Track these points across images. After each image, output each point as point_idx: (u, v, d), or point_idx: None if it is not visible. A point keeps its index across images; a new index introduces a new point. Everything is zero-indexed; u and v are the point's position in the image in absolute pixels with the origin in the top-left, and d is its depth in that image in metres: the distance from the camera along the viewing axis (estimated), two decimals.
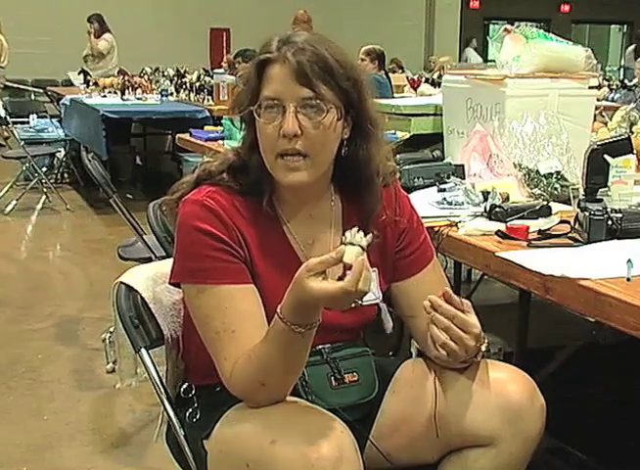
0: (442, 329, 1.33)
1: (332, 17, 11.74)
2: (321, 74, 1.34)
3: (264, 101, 1.35)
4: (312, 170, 1.37)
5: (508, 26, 2.49)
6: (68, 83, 9.30)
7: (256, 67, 1.37)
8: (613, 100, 7.08)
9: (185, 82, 6.91)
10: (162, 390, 1.53)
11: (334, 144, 1.39)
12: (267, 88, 1.35)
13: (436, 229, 1.85)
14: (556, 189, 2.05)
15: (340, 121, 1.38)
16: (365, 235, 1.20)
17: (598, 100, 3.25)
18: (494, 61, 2.43)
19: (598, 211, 1.69)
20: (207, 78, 6.60)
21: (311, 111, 1.34)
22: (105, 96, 7.14)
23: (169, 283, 1.44)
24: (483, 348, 1.41)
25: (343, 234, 1.21)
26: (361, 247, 1.18)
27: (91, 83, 7.75)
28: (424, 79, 9.47)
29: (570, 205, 1.94)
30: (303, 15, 7.10)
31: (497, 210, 1.86)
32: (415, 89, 8.65)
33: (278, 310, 1.24)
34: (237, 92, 1.45)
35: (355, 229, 1.21)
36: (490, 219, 1.86)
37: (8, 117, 6.49)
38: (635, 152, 2.02)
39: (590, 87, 2.42)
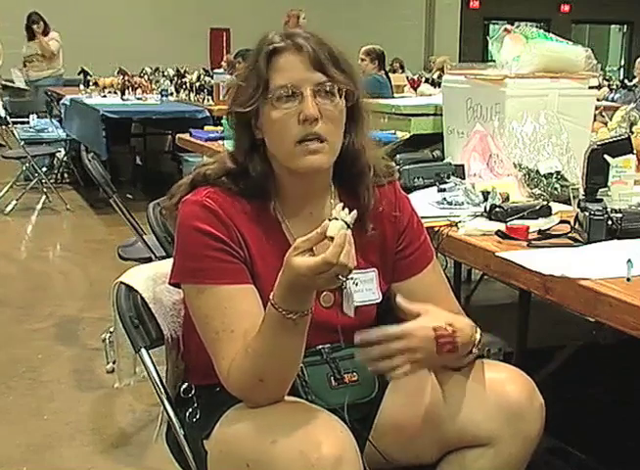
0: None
1: (331, 17, 11.75)
2: (332, 60, 1.36)
3: (278, 90, 1.35)
4: (329, 155, 1.38)
5: (508, 26, 2.49)
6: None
7: (265, 57, 1.37)
8: (613, 100, 7.09)
9: (185, 82, 6.92)
10: (162, 390, 1.53)
11: (343, 129, 1.40)
12: (279, 77, 1.35)
13: (436, 229, 1.85)
14: (556, 189, 2.05)
15: (345, 108, 1.39)
16: (350, 212, 1.21)
17: (598, 100, 3.25)
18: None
19: (598, 211, 1.69)
20: (207, 78, 6.61)
21: (326, 95, 1.35)
22: (105, 96, 7.15)
23: (169, 283, 1.44)
24: (477, 336, 1.41)
25: (330, 213, 1.23)
26: (345, 222, 1.19)
27: (91, 83, 7.75)
28: (424, 79, 9.48)
29: (570, 205, 1.94)
30: (293, 11, 7.13)
31: (497, 210, 1.86)
32: (415, 89, 8.67)
33: (270, 297, 1.25)
34: (232, 92, 1.44)
35: (340, 205, 1.22)
36: (490, 219, 1.86)
37: (8, 117, 6.49)
38: (635, 152, 2.02)
39: (590, 87, 2.42)
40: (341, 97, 1.36)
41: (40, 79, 9.06)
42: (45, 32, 9.07)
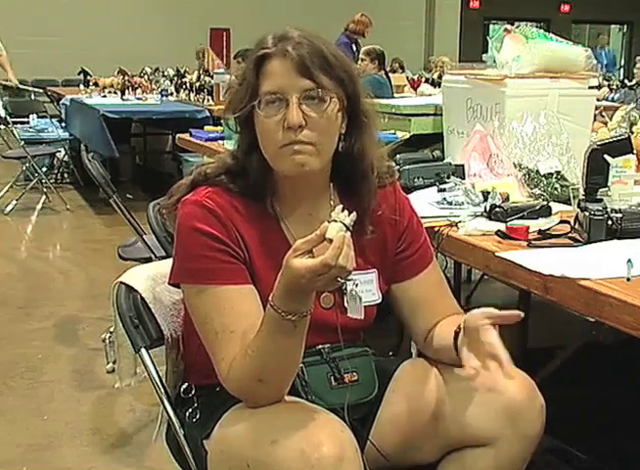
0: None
1: (331, 17, 11.73)
2: (321, 65, 1.35)
3: (265, 96, 1.35)
4: (317, 157, 1.37)
5: (508, 26, 2.49)
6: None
7: (255, 63, 1.37)
8: (613, 100, 7.09)
9: (185, 82, 6.92)
10: (162, 390, 1.53)
11: (336, 134, 1.40)
12: (267, 83, 1.35)
13: (436, 229, 1.85)
14: (556, 189, 2.05)
15: (340, 112, 1.38)
16: (349, 214, 1.21)
17: (598, 100, 3.25)
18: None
19: (598, 211, 1.69)
20: (207, 78, 6.61)
21: (313, 102, 1.34)
22: (105, 96, 7.15)
23: (169, 283, 1.44)
24: None
25: (329, 215, 1.23)
26: (344, 224, 1.20)
27: (91, 83, 7.75)
28: (424, 79, 9.47)
29: (570, 205, 1.94)
30: (363, 17, 7.14)
31: (497, 210, 1.86)
32: (415, 89, 8.65)
33: (269, 298, 1.25)
34: (231, 93, 1.44)
35: (340, 207, 1.23)
36: (490, 219, 1.86)
37: (8, 117, 6.48)
38: (635, 152, 2.02)
39: (590, 87, 2.42)
40: (330, 102, 1.36)
41: None
42: None
